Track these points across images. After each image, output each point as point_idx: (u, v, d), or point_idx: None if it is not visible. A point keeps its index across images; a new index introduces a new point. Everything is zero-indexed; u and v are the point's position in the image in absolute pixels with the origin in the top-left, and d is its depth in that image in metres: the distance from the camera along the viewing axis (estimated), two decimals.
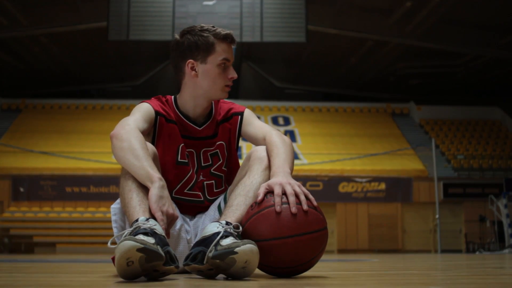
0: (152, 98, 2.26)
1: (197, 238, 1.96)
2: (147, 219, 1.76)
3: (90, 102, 21.87)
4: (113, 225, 2.09)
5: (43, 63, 20.61)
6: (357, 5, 17.30)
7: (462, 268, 3.02)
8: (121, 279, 1.71)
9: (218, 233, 1.76)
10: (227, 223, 1.82)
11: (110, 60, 20.96)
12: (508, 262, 4.40)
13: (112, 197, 12.89)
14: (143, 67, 21.87)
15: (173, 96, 2.29)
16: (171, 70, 2.31)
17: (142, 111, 2.14)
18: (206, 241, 1.77)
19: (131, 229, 1.73)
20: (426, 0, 16.36)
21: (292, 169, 2.00)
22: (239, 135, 2.29)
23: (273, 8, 16.88)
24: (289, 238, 1.79)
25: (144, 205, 1.84)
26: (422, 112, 21.77)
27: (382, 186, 17.20)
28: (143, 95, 22.24)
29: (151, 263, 1.64)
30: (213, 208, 2.18)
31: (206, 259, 1.73)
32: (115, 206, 2.11)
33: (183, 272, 2.12)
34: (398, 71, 21.48)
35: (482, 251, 14.44)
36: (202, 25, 2.18)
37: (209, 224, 1.86)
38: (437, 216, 14.92)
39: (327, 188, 17.09)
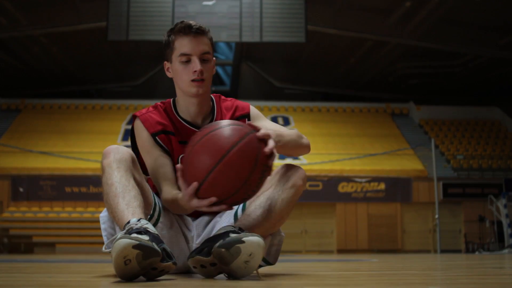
0: (149, 110, 2.19)
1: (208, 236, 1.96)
2: (138, 220, 1.76)
3: (89, 102, 21.86)
4: (103, 233, 2.08)
5: (42, 63, 20.60)
6: (356, 5, 17.29)
7: (462, 268, 3.02)
8: (120, 279, 1.71)
9: (229, 231, 1.77)
10: (240, 229, 1.81)
11: (110, 60, 20.95)
12: (507, 262, 4.40)
13: None
14: (143, 67, 21.85)
15: (172, 101, 2.24)
16: None
17: (142, 145, 2.15)
18: (216, 237, 1.77)
19: (124, 231, 1.73)
20: (426, 0, 16.36)
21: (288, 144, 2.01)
22: None
23: (272, 8, 16.87)
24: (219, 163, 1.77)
25: (132, 208, 1.83)
26: (422, 112, 21.77)
27: (382, 186, 17.20)
28: (143, 95, 22.26)
29: (148, 259, 1.63)
30: (229, 216, 2.12)
31: (213, 249, 1.72)
32: (103, 214, 2.10)
33: (183, 272, 2.12)
34: (397, 71, 21.48)
35: (481, 251, 14.44)
36: (178, 23, 2.12)
37: (222, 227, 1.85)
38: (436, 216, 14.92)
39: (326, 188, 17.09)
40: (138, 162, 2.17)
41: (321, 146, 19.13)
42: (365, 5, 17.29)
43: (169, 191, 2.01)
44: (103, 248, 1.85)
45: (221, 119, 2.20)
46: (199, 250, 1.78)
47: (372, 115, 21.87)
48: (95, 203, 16.50)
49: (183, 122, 2.17)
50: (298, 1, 16.71)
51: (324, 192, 17.01)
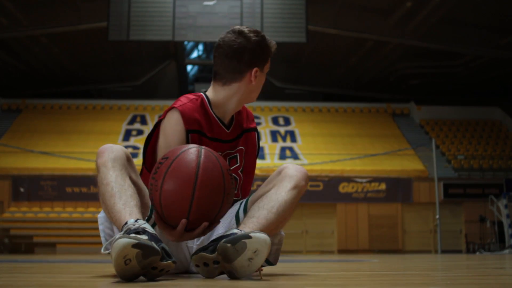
0: (185, 102, 2.14)
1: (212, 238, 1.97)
2: (136, 220, 1.76)
3: (90, 102, 21.86)
4: (101, 234, 2.08)
5: (43, 63, 20.61)
6: (357, 5, 17.29)
7: (462, 268, 3.02)
8: (121, 280, 1.71)
9: (236, 232, 1.78)
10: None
11: (110, 60, 20.96)
12: (508, 262, 4.40)
13: None
14: (143, 67, 21.86)
15: (204, 95, 2.19)
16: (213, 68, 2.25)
17: (170, 138, 2.08)
18: (223, 237, 1.78)
19: (123, 231, 1.73)
20: (426, 0, 16.36)
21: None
22: (259, 147, 2.32)
23: (273, 8, 16.87)
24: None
25: (129, 208, 1.84)
26: (422, 112, 21.76)
27: (383, 186, 17.20)
28: (143, 95, 22.27)
29: (148, 258, 1.63)
30: (229, 216, 2.12)
31: (218, 245, 1.73)
32: (101, 215, 2.09)
33: (184, 272, 2.12)
34: (398, 71, 21.47)
35: (482, 251, 14.44)
36: (255, 29, 2.18)
37: (227, 230, 1.86)
38: (437, 216, 14.91)
39: (327, 189, 17.09)
40: (144, 155, 2.15)
41: (321, 146, 19.14)
42: (366, 5, 17.29)
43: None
44: (102, 250, 1.84)
45: (243, 125, 2.26)
46: (204, 248, 1.79)
47: (372, 115, 21.87)
48: (96, 203, 16.49)
49: (217, 120, 2.17)
50: (298, 1, 16.70)
51: (324, 192, 17.01)
